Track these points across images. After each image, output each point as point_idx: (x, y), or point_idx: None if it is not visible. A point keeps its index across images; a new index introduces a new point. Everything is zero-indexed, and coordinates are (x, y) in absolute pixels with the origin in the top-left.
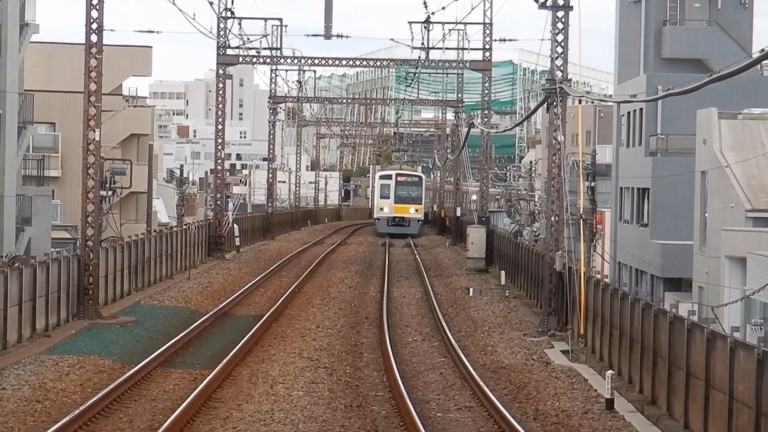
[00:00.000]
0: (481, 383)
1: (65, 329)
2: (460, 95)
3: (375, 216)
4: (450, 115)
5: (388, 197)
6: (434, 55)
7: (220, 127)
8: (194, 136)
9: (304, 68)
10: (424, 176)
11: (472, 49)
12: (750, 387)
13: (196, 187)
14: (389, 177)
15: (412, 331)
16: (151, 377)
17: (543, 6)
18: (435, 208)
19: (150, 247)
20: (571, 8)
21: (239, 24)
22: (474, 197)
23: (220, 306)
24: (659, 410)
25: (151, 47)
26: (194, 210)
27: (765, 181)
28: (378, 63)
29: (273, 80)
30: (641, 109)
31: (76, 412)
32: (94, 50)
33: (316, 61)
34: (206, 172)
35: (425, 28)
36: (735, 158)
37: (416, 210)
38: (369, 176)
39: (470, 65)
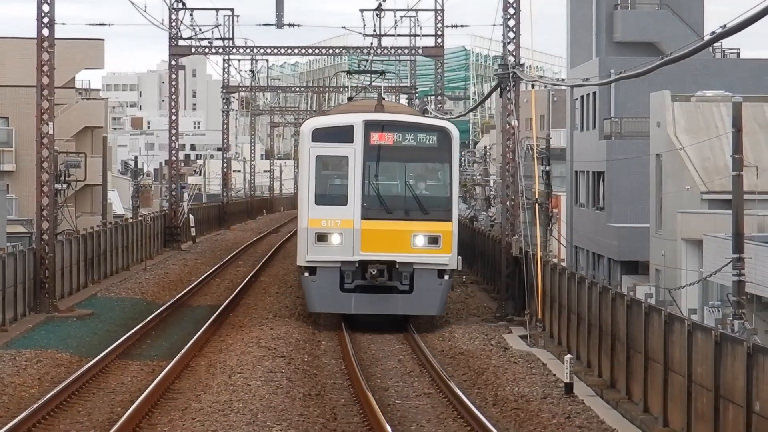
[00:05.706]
0: (440, 369)
1: (22, 323)
2: (413, 81)
3: (300, 261)
4: (403, 102)
5: (342, 201)
6: (386, 42)
7: (173, 117)
8: (148, 127)
9: (256, 58)
10: (455, 130)
11: (424, 35)
12: (708, 370)
13: (150, 179)
14: (346, 132)
15: None
16: (109, 370)
17: None
18: None
19: (106, 240)
20: None
21: (191, 15)
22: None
23: (177, 297)
24: (618, 394)
25: (103, 40)
26: (149, 201)
27: (719, 164)
28: (330, 51)
29: (226, 70)
30: (594, 93)
31: (35, 406)
32: (46, 44)
33: (269, 50)
34: (161, 163)
35: (377, 15)
36: (689, 141)
37: (435, 239)
38: None
39: (423, 51)
